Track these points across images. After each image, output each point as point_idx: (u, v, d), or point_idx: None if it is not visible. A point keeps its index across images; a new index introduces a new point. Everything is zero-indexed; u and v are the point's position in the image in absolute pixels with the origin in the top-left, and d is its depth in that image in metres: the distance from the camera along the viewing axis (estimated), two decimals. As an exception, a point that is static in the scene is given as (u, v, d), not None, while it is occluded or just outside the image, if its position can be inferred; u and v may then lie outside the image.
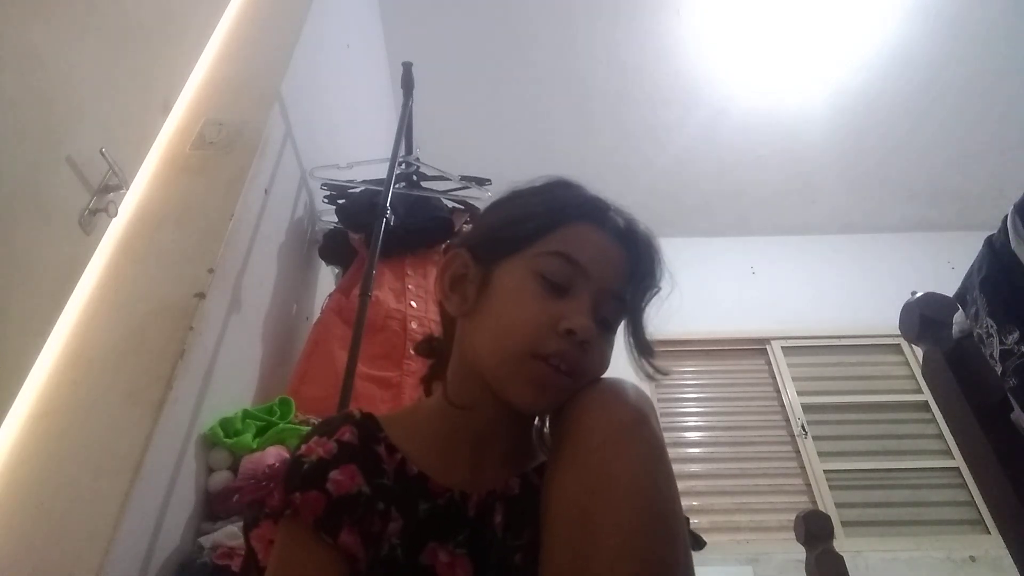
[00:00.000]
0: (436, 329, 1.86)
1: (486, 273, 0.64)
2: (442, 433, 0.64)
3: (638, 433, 0.54)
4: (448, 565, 0.56)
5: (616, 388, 0.59)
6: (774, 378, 3.40)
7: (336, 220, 1.80)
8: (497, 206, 0.71)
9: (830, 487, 2.95)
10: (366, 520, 0.55)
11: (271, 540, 0.58)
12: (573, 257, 0.61)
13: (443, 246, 1.85)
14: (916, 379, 3.27)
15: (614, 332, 0.65)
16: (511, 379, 0.60)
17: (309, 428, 1.28)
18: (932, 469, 3.00)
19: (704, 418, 3.27)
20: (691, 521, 0.64)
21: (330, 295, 1.71)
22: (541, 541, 0.55)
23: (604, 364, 0.63)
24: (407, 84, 1.87)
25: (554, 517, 0.54)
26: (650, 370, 0.66)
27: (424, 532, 0.57)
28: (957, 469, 2.92)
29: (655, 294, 0.66)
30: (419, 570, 0.56)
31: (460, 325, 0.67)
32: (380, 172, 1.69)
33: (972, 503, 2.84)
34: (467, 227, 0.62)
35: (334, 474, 0.56)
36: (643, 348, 0.66)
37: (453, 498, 0.60)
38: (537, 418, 0.68)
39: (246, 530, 0.62)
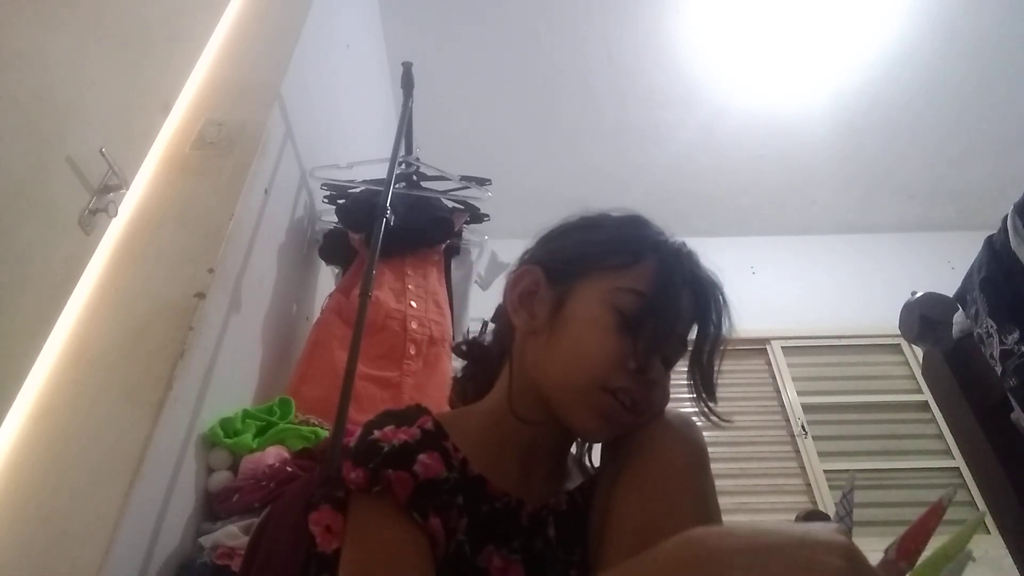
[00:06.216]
0: (436, 329, 1.85)
1: (560, 295, 0.66)
2: (494, 441, 0.64)
3: (705, 466, 0.61)
4: (502, 570, 0.57)
5: (687, 424, 0.64)
6: (774, 378, 3.39)
7: (336, 220, 1.80)
8: (572, 231, 0.72)
9: (830, 487, 2.94)
10: (446, 509, 0.56)
11: (329, 525, 0.57)
12: (649, 297, 0.64)
13: (442, 247, 1.86)
14: (916, 379, 3.26)
15: (672, 369, 0.68)
16: (577, 407, 0.62)
17: (310, 428, 1.29)
18: (932, 469, 3.00)
19: (704, 418, 3.27)
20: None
21: (330, 295, 1.71)
22: (599, 552, 0.57)
23: (667, 399, 0.66)
24: (407, 84, 1.87)
25: (621, 530, 0.56)
26: (713, 417, 0.69)
27: (483, 534, 0.58)
28: (957, 469, 2.92)
29: (724, 344, 0.69)
30: (475, 572, 0.56)
31: (523, 340, 0.67)
32: (380, 172, 1.69)
33: (972, 503, 2.83)
34: (537, 244, 0.66)
35: (422, 457, 0.56)
36: (711, 394, 0.69)
37: (510, 503, 0.61)
38: (575, 445, 0.71)
39: (304, 512, 0.60)
